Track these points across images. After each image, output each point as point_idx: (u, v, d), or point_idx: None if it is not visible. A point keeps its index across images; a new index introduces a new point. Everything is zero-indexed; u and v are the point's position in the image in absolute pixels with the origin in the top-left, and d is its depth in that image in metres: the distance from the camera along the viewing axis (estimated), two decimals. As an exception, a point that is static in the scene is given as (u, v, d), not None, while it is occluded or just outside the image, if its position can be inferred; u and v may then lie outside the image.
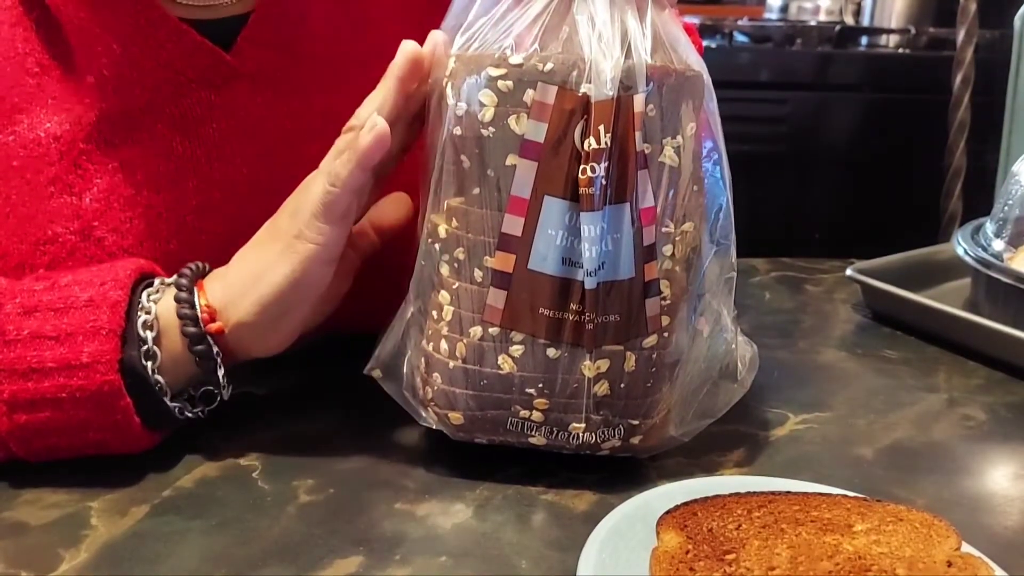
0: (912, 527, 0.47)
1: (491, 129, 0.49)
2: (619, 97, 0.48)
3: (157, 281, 0.56)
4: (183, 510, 0.51)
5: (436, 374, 0.53)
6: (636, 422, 0.53)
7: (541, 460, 0.55)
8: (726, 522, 0.47)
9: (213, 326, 0.54)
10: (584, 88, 0.48)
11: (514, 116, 0.49)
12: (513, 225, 0.50)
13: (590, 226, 0.49)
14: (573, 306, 0.50)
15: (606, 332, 0.50)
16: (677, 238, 0.52)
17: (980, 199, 1.50)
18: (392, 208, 0.59)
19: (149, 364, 0.53)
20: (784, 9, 2.13)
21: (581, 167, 0.48)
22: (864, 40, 1.96)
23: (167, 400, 0.54)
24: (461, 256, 0.51)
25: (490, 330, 0.51)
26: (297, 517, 0.51)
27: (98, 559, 0.47)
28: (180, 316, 0.54)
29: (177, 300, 0.54)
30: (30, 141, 0.60)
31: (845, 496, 0.50)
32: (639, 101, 0.49)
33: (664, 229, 0.52)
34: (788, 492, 0.50)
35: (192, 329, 0.54)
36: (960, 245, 0.81)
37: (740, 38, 1.92)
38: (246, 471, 0.55)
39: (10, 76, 0.61)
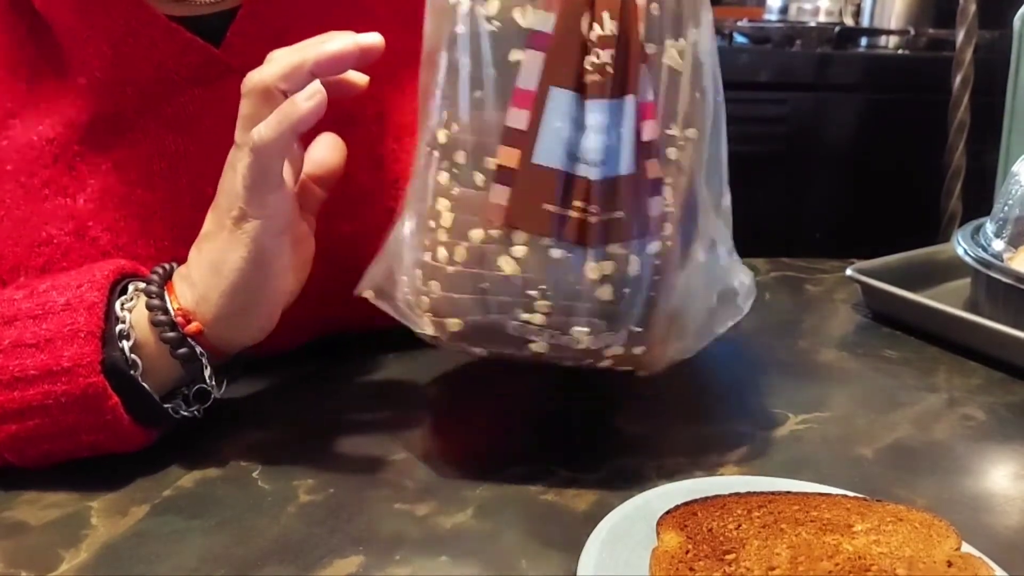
0: (912, 527, 0.47)
1: (495, 23, 0.49)
2: None
3: (131, 287, 0.55)
4: (183, 510, 0.51)
5: (433, 282, 0.52)
6: (639, 330, 0.52)
7: (541, 460, 0.55)
8: (726, 522, 0.47)
9: (191, 328, 0.53)
10: None
11: (519, 9, 0.49)
12: (518, 119, 0.49)
13: (596, 115, 0.48)
14: (577, 203, 0.49)
15: (610, 229, 0.50)
16: (681, 143, 0.52)
17: (980, 199, 1.49)
18: (325, 154, 0.58)
19: (131, 371, 0.52)
20: (784, 10, 2.13)
21: (587, 57, 0.48)
22: (864, 41, 1.96)
23: (158, 400, 0.54)
24: (461, 160, 0.51)
25: (491, 232, 0.50)
26: (297, 517, 0.51)
27: (98, 559, 0.47)
28: (155, 323, 0.53)
29: (149, 308, 0.53)
30: (23, 145, 0.60)
31: (845, 496, 0.50)
32: None
33: (668, 132, 0.51)
34: (788, 492, 0.50)
35: (171, 334, 0.53)
36: (960, 245, 0.81)
37: (740, 39, 1.92)
38: (246, 471, 0.55)
39: (2, 82, 0.60)
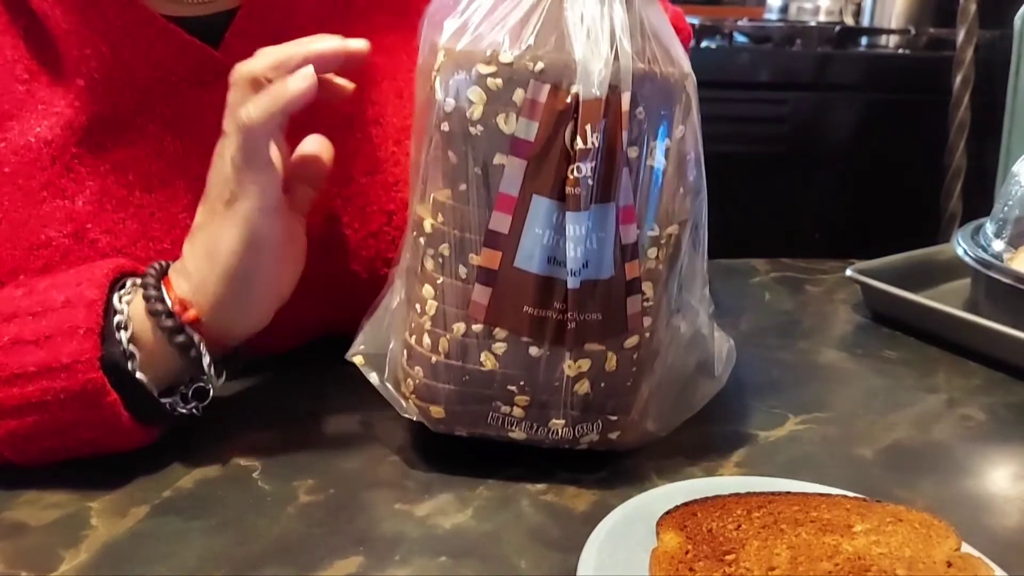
0: (912, 527, 0.47)
1: (479, 127, 0.49)
2: (607, 97, 0.48)
3: (129, 282, 0.55)
4: (183, 510, 0.51)
5: (418, 367, 0.53)
6: (615, 418, 0.53)
7: (541, 460, 0.55)
8: (726, 522, 0.47)
9: (188, 315, 0.54)
10: (575, 88, 0.48)
11: (503, 115, 0.49)
12: (500, 223, 0.50)
13: (575, 226, 0.49)
14: (556, 305, 0.50)
15: (587, 331, 0.51)
16: (663, 241, 0.53)
17: (980, 199, 1.49)
18: (313, 149, 0.58)
19: (129, 364, 0.53)
20: (784, 9, 2.13)
21: (569, 167, 0.48)
22: (864, 40, 1.96)
23: (155, 395, 0.54)
24: (446, 252, 0.51)
25: (473, 327, 0.51)
26: (297, 517, 0.51)
27: (98, 559, 0.47)
28: (152, 313, 0.53)
29: (146, 299, 0.54)
30: (21, 147, 0.60)
31: (845, 496, 0.50)
32: (626, 100, 0.49)
33: (650, 233, 0.52)
34: (788, 492, 0.50)
35: (168, 323, 0.53)
36: (960, 245, 0.81)
37: (740, 38, 1.92)
38: (246, 471, 0.55)
39: (0, 84, 0.60)
